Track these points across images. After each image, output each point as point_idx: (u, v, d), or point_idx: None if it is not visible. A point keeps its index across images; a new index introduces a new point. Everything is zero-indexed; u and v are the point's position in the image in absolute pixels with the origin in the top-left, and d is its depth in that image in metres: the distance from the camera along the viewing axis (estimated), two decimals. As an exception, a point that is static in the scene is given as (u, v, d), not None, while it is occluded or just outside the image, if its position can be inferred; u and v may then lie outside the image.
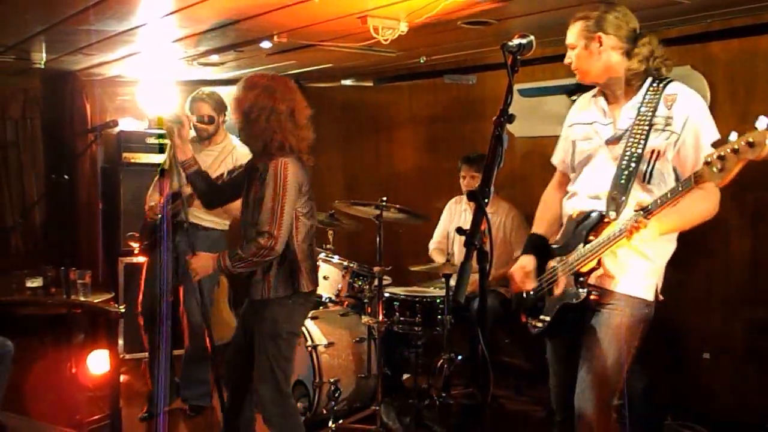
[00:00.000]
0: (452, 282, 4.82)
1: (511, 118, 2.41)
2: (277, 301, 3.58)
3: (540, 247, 3.15)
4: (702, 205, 2.77)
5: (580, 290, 2.87)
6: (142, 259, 5.07)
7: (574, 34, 3.00)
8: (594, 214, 2.90)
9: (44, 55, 5.23)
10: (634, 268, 2.89)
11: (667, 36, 4.63)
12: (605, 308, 2.91)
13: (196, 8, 3.87)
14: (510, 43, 2.44)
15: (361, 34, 4.41)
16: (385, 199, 4.78)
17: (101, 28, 4.36)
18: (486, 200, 2.25)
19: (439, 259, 5.48)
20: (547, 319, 3.02)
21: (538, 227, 3.27)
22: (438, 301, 4.88)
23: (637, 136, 2.84)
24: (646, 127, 2.83)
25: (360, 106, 7.31)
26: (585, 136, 3.07)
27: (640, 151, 2.82)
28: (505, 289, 5.28)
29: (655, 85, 2.90)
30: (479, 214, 2.24)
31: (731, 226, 4.53)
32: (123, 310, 4.66)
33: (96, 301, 4.60)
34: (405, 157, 6.93)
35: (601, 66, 2.95)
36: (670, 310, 4.71)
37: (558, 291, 2.97)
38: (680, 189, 2.58)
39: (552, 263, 3.05)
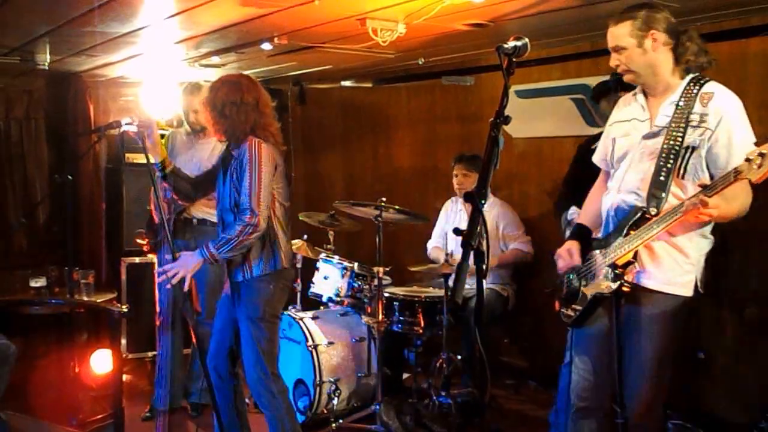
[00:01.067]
0: (451, 282, 4.84)
1: (507, 120, 2.41)
2: (258, 282, 3.68)
3: (583, 236, 3.21)
4: (745, 198, 2.84)
5: (613, 282, 2.89)
6: (148, 258, 5.09)
7: (623, 34, 2.96)
8: (635, 210, 2.93)
9: (48, 56, 5.24)
10: (672, 265, 2.94)
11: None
12: (645, 307, 2.95)
13: (198, 11, 3.90)
14: (505, 46, 2.44)
15: (360, 36, 4.44)
16: (384, 199, 4.82)
17: (105, 30, 4.37)
18: (483, 201, 2.26)
19: (436, 256, 5.52)
20: (579, 308, 3.07)
21: (582, 219, 3.34)
22: (437, 301, 4.91)
23: (675, 133, 2.88)
24: (683, 125, 2.86)
25: (359, 107, 7.34)
26: (624, 132, 3.11)
27: (677, 147, 2.86)
28: (502, 288, 5.33)
29: (692, 83, 2.94)
30: (476, 215, 2.25)
31: (726, 224, 4.54)
32: (126, 310, 4.70)
33: (99, 300, 4.63)
34: (403, 158, 6.95)
35: (651, 63, 2.96)
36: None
37: (595, 281, 3.01)
38: (721, 182, 2.63)
39: (591, 255, 3.09)
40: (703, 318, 4.68)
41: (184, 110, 4.78)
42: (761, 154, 2.48)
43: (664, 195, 2.85)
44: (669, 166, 2.86)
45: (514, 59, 2.47)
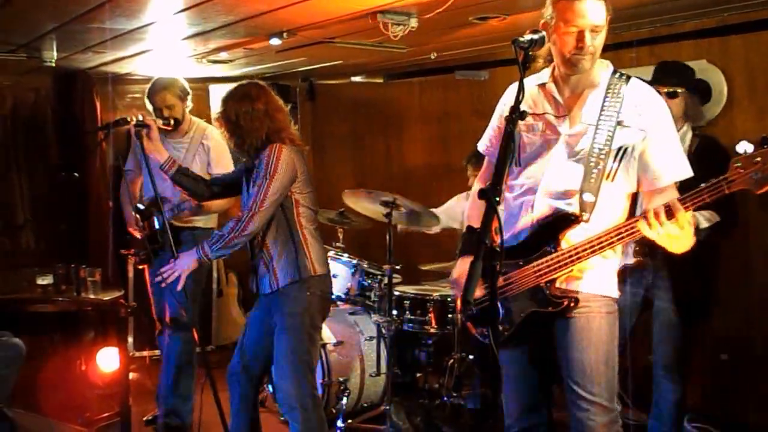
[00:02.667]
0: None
1: (522, 115, 2.37)
2: (291, 290, 3.63)
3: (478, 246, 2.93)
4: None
5: (557, 299, 2.69)
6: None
7: (603, 13, 2.62)
8: (562, 215, 2.71)
9: (55, 53, 5.22)
10: (599, 266, 2.74)
11: (683, 29, 4.59)
12: (578, 314, 2.71)
13: (205, 6, 3.86)
14: (521, 39, 2.39)
15: (371, 31, 4.39)
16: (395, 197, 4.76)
17: (112, 26, 4.34)
18: (497, 198, 2.18)
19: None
20: (508, 328, 2.81)
21: (474, 220, 2.96)
22: (449, 299, 4.85)
23: (605, 132, 2.66)
24: (613, 123, 2.65)
25: (370, 103, 7.29)
26: (532, 127, 2.83)
27: (608, 148, 2.65)
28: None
29: (616, 77, 2.73)
30: (490, 213, 2.17)
31: (750, 226, 4.50)
32: (133, 308, 4.66)
33: (106, 298, 4.60)
34: (415, 155, 6.90)
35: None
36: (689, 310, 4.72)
37: (519, 297, 2.76)
38: (707, 191, 2.40)
39: (507, 266, 2.79)
40: (727, 320, 4.62)
41: (157, 107, 4.66)
42: (761, 162, 2.30)
43: (593, 198, 2.65)
44: (600, 167, 2.65)
45: (530, 53, 2.41)
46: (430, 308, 4.85)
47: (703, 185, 2.42)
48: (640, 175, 2.74)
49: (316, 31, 4.58)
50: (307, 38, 4.77)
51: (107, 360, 4.91)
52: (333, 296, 5.01)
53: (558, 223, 2.72)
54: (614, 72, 2.75)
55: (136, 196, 4.89)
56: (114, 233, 5.98)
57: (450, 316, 4.81)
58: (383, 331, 4.86)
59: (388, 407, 4.60)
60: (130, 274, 6.15)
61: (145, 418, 4.86)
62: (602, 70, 2.75)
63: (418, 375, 5.34)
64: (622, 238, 2.60)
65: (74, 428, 4.46)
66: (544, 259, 2.71)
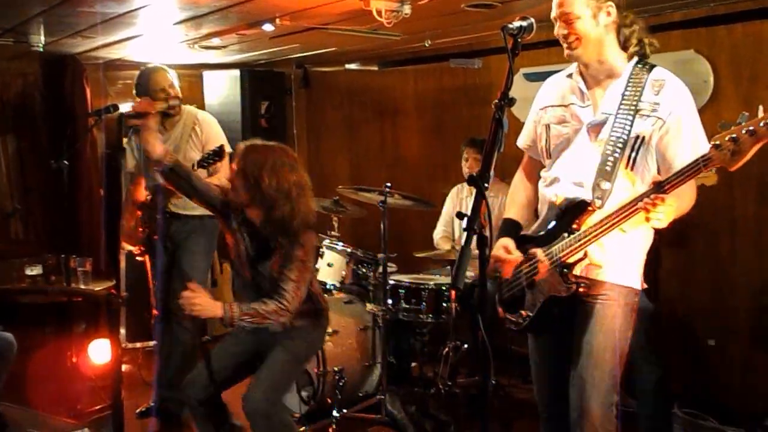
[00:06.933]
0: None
1: (511, 102, 2.39)
2: (304, 328, 3.68)
3: (514, 233, 3.00)
4: (691, 194, 2.68)
5: (568, 283, 2.74)
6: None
7: (578, 1, 2.69)
8: (578, 202, 2.76)
9: (43, 37, 5.16)
10: (621, 257, 2.77)
11: (671, 20, 4.66)
12: (596, 300, 2.78)
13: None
14: (510, 26, 2.41)
15: (365, 17, 4.34)
16: (389, 185, 4.72)
17: (101, 10, 4.28)
18: (486, 185, 2.22)
19: (444, 247, 5.43)
20: (530, 314, 2.89)
21: (509, 211, 3.12)
22: (443, 288, 4.82)
23: (623, 120, 2.70)
24: (632, 112, 2.69)
25: (364, 91, 7.25)
26: (561, 119, 2.91)
27: (625, 136, 2.69)
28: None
29: (639, 67, 2.76)
30: (479, 199, 2.20)
31: (737, 210, 4.52)
32: (125, 298, 4.62)
33: (97, 289, 4.58)
34: (410, 143, 6.87)
35: (600, 42, 2.73)
36: (675, 295, 4.72)
37: (540, 283, 2.83)
38: (687, 171, 2.44)
39: (531, 252, 2.88)
40: (714, 304, 4.61)
41: (159, 87, 4.58)
42: (733, 139, 2.31)
43: (609, 185, 2.69)
44: (616, 155, 2.69)
45: (519, 40, 2.43)
46: (425, 297, 4.81)
47: (683, 167, 2.47)
48: (659, 164, 2.75)
49: (309, 18, 4.53)
50: (300, 24, 4.71)
51: (99, 352, 4.89)
52: (329, 285, 5.04)
53: (573, 210, 2.77)
54: (638, 62, 2.78)
55: (141, 199, 4.75)
56: (106, 222, 5.94)
57: (444, 304, 4.78)
58: (378, 320, 4.83)
59: (383, 396, 4.57)
60: (122, 264, 6.08)
61: (137, 411, 4.81)
62: (624, 60, 2.79)
63: (414, 364, 5.33)
64: (626, 217, 2.59)
65: (65, 421, 4.41)
66: (560, 245, 2.76)
